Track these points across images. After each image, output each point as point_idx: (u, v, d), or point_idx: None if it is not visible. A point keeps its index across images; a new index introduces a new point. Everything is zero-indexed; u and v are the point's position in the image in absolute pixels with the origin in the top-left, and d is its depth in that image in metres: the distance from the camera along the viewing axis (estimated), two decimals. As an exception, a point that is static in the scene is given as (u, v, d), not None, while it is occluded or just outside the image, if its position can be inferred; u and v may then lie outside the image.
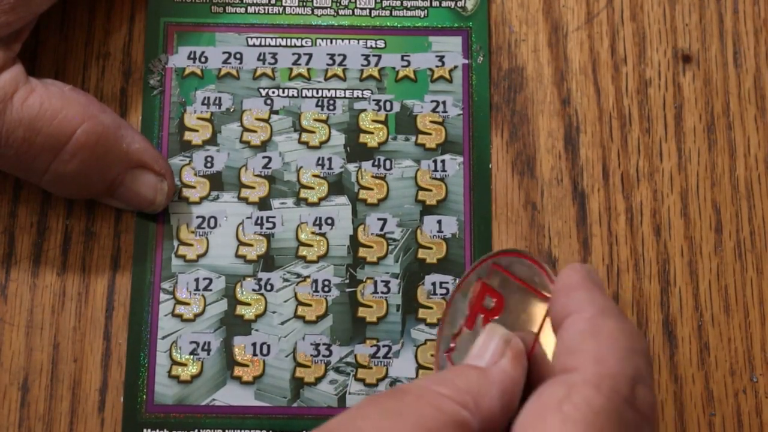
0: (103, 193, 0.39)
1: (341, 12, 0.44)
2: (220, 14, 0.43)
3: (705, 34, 0.44)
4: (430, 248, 0.41)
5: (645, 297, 0.41)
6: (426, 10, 0.44)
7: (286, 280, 0.41)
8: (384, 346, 0.40)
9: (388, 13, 0.44)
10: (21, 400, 0.39)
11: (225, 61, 0.43)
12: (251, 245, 0.41)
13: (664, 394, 0.40)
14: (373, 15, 0.44)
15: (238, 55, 0.43)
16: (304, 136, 0.42)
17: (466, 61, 0.43)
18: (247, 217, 0.41)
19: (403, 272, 0.41)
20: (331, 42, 0.43)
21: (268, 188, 0.42)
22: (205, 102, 0.42)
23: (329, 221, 0.41)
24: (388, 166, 0.42)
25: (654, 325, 0.41)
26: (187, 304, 0.40)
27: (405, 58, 0.43)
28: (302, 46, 0.43)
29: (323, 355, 0.40)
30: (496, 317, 0.35)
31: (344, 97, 0.43)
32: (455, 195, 0.42)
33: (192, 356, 0.40)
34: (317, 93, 0.43)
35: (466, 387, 0.31)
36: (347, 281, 0.41)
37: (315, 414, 0.39)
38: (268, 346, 0.40)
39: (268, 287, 0.41)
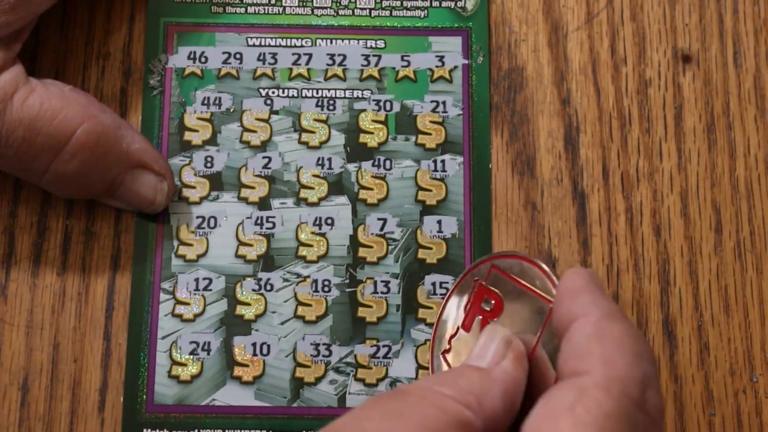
0: (103, 193, 0.39)
1: (341, 12, 0.44)
2: (220, 14, 0.43)
3: (705, 34, 0.44)
4: (430, 248, 0.41)
5: (645, 297, 0.41)
6: (426, 11, 0.44)
7: (286, 280, 0.41)
8: (384, 346, 0.40)
9: (388, 13, 0.44)
10: (21, 400, 0.39)
11: (225, 61, 0.43)
12: (251, 245, 0.41)
13: (664, 394, 0.40)
14: (373, 15, 0.44)
15: (238, 55, 0.43)
16: (304, 136, 0.42)
17: (466, 61, 0.43)
18: (247, 217, 0.41)
19: (403, 272, 0.41)
20: (331, 42, 0.43)
21: (268, 188, 0.42)
22: (205, 102, 0.42)
23: (329, 221, 0.41)
24: (388, 166, 0.42)
25: (654, 325, 0.41)
26: (187, 304, 0.40)
27: (405, 58, 0.43)
28: (302, 46, 0.43)
29: (323, 355, 0.40)
30: (495, 319, 0.35)
31: (344, 97, 0.43)
32: (455, 195, 0.42)
33: (192, 356, 0.40)
34: (317, 93, 0.43)
35: (468, 387, 0.31)
36: (347, 281, 0.41)
37: (315, 414, 0.39)
38: (268, 346, 0.40)
39: (268, 287, 0.41)
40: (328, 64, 0.43)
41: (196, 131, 0.42)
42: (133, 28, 0.43)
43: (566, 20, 0.44)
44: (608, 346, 0.30)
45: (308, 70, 0.43)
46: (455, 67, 0.43)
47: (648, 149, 0.43)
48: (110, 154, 0.38)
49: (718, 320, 0.41)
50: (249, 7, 0.43)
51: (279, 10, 0.44)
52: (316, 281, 0.41)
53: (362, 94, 0.43)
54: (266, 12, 0.43)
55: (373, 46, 0.43)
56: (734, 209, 0.42)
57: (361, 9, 0.44)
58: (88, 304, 0.40)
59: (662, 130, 0.43)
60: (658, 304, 0.41)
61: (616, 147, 0.43)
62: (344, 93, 0.43)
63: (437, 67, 0.43)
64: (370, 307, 0.41)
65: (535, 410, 0.29)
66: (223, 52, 0.43)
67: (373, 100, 0.43)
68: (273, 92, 0.43)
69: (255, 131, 0.42)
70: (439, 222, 0.41)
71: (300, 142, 0.42)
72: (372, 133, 0.42)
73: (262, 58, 0.43)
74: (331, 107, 0.43)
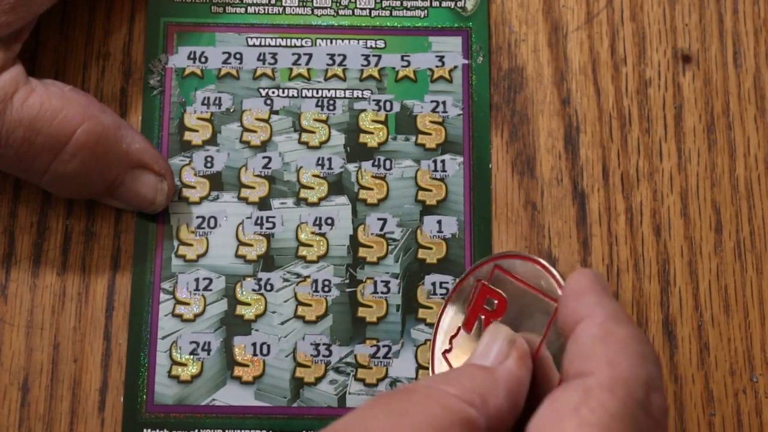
0: (103, 193, 0.39)
1: (341, 12, 0.44)
2: (220, 14, 0.43)
3: (705, 34, 0.44)
4: (430, 248, 0.41)
5: (645, 297, 0.41)
6: (426, 11, 0.44)
7: (286, 280, 0.41)
8: (384, 346, 0.40)
9: (388, 13, 0.44)
10: (21, 400, 0.39)
11: (225, 61, 0.43)
12: (251, 245, 0.41)
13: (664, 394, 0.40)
14: (373, 15, 0.44)
15: (238, 55, 0.43)
16: (304, 136, 0.42)
17: (466, 61, 0.43)
18: (247, 217, 0.41)
19: (403, 272, 0.41)
20: (331, 42, 0.43)
21: (268, 188, 0.42)
22: (205, 102, 0.42)
23: (329, 221, 0.41)
24: (388, 166, 0.42)
25: (654, 325, 0.41)
26: (187, 304, 0.40)
27: (405, 58, 0.43)
28: (302, 46, 0.43)
29: (323, 355, 0.40)
30: (498, 319, 0.35)
31: (344, 97, 0.43)
32: (455, 195, 0.42)
33: (192, 356, 0.40)
34: (317, 93, 0.43)
35: (472, 386, 0.31)
36: (347, 281, 0.41)
37: (315, 414, 0.39)
38: (268, 346, 0.40)
39: (268, 287, 0.41)
40: (328, 64, 0.43)
41: (196, 131, 0.42)
42: (133, 28, 0.43)
43: (566, 20, 0.44)
44: (613, 347, 0.30)
45: (308, 70, 0.43)
46: (455, 67, 0.43)
47: (648, 149, 0.43)
48: (110, 154, 0.38)
49: (718, 320, 0.41)
50: (249, 7, 0.43)
51: (279, 10, 0.44)
52: (316, 281, 0.41)
53: (362, 94, 0.43)
54: (266, 12, 0.43)
55: (373, 46, 0.43)
56: (734, 209, 0.42)
57: (361, 9, 0.44)
58: (88, 304, 0.40)
59: (662, 130, 0.43)
60: (658, 304, 0.41)
61: (616, 147, 0.43)
62: (344, 93, 0.43)
63: (437, 67, 0.43)
64: (370, 307, 0.41)
65: (540, 411, 0.29)
66: (223, 52, 0.43)
67: (373, 100, 0.43)
68: (273, 92, 0.43)
69: (255, 131, 0.42)
70: (439, 222, 0.41)
71: (300, 142, 0.42)
72: (372, 133, 0.42)
73: (262, 58, 0.43)
74: (331, 107, 0.43)
